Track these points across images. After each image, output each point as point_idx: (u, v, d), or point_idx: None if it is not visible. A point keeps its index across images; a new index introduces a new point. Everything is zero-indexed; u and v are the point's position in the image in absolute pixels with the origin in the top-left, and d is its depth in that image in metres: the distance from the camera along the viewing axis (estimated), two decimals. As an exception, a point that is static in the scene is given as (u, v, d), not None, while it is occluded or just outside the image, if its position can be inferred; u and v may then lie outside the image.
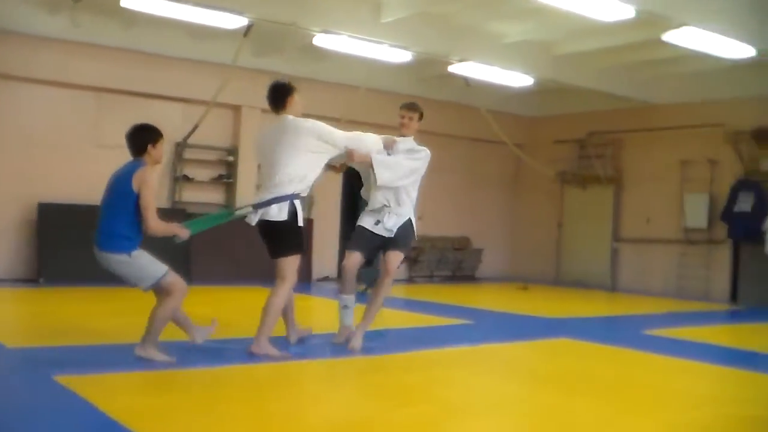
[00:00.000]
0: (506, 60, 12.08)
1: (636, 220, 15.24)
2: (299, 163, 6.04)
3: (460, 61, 11.78)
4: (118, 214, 5.64)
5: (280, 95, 6.40)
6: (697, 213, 14.14)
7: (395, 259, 6.62)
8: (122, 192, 5.61)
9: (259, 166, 6.49)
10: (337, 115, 13.09)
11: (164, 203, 12.39)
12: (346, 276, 6.75)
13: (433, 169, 15.93)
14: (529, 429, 4.39)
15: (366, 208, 6.79)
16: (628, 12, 8.75)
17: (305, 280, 13.35)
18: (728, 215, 13.34)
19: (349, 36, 10.48)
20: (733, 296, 13.58)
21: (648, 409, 4.96)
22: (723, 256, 13.90)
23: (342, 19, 10.40)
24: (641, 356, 7.21)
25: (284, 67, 13.07)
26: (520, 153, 15.08)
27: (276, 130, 6.18)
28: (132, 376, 5.26)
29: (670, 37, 9.65)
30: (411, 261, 15.18)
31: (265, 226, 6.08)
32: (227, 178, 13.05)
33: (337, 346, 6.75)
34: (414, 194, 6.92)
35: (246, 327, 6.49)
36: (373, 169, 6.41)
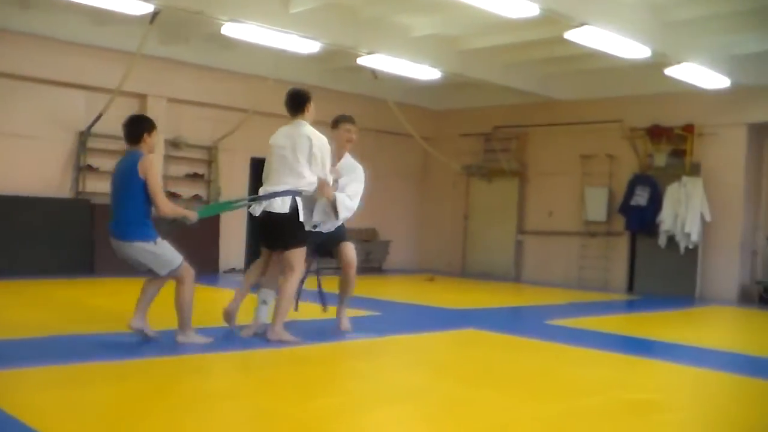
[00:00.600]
0: (414, 53, 12.18)
1: (539, 212, 15.61)
2: (306, 167, 6.56)
3: (369, 53, 11.82)
4: (131, 203, 6.01)
5: (299, 101, 6.93)
6: (596, 206, 14.59)
7: (349, 249, 7.34)
8: (130, 182, 5.96)
9: (265, 162, 6.91)
10: (245, 105, 13.03)
11: (67, 193, 12.08)
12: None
13: (341, 161, 15.95)
14: (434, 419, 4.47)
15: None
16: (533, 9, 8.92)
17: (212, 272, 13.24)
18: (626, 208, 13.80)
19: (258, 25, 10.38)
20: (630, 286, 14.08)
21: (548, 397, 5.12)
22: (621, 247, 14.39)
23: (250, 9, 10.30)
24: (543, 346, 7.42)
25: (191, 56, 12.93)
26: (427, 146, 15.25)
27: (291, 133, 6.69)
28: (33, 372, 5.13)
29: (573, 35, 9.90)
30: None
31: (268, 217, 6.51)
32: (132, 168, 12.78)
33: (245, 338, 6.84)
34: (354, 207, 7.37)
35: (152, 320, 6.39)
36: (335, 208, 6.90)
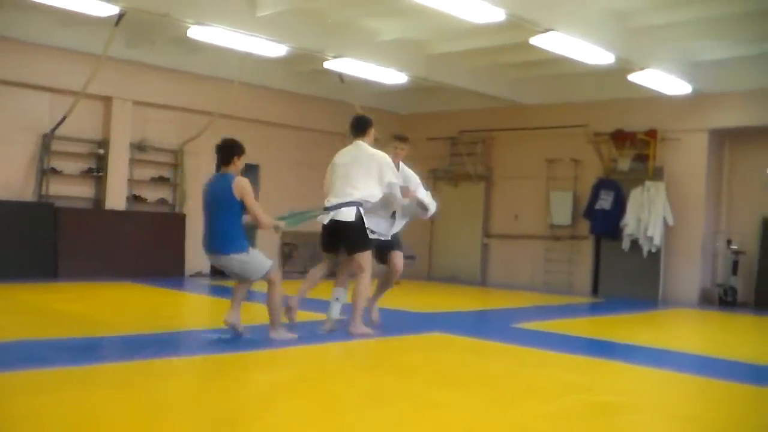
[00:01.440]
0: (381, 57, 12.22)
1: (505, 216, 15.71)
2: (367, 181, 7.38)
3: (335, 57, 11.84)
4: (227, 221, 6.75)
5: (363, 125, 7.69)
6: (561, 210, 14.72)
7: (398, 256, 8.27)
8: (226, 201, 6.71)
9: (327, 177, 7.72)
10: (212, 108, 12.98)
11: (30, 197, 11.93)
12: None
13: (306, 164, 16.08)
14: (402, 423, 4.47)
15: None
16: (499, 15, 9.01)
17: (178, 276, 13.16)
18: (590, 212, 13.94)
19: (224, 29, 10.35)
20: (595, 289, 14.22)
21: (515, 400, 5.15)
22: (585, 251, 14.54)
23: (217, 12, 10.28)
24: (510, 349, 7.47)
25: (157, 59, 12.86)
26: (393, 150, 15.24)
27: (354, 152, 7.52)
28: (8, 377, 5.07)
29: (538, 41, 10.00)
30: (285, 257, 15.17)
31: (335, 225, 7.33)
32: (97, 172, 12.66)
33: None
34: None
35: (117, 324, 6.35)
36: (422, 203, 8.08)
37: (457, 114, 16.15)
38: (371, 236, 7.60)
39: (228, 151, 6.91)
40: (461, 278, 15.80)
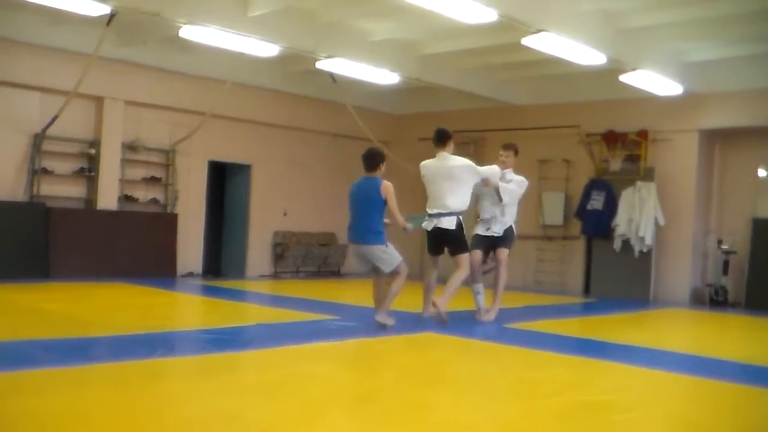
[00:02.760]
0: (373, 57, 12.23)
1: (496, 216, 15.70)
2: (459, 190, 8.47)
3: (328, 57, 11.84)
4: (372, 217, 7.87)
5: (444, 136, 8.78)
6: (553, 210, 14.75)
7: (504, 253, 9.26)
8: (375, 200, 7.87)
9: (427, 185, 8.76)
10: (204, 108, 12.96)
11: (21, 197, 11.89)
12: (474, 269, 9.04)
13: (298, 164, 16.11)
14: (394, 421, 4.49)
15: (478, 220, 9.33)
16: (491, 15, 9.02)
17: (170, 276, 13.14)
18: (582, 213, 13.98)
19: (216, 28, 10.34)
20: (586, 289, 14.26)
21: (507, 399, 5.18)
22: (577, 251, 14.58)
23: (209, 11, 10.27)
24: (501, 348, 7.49)
25: (149, 59, 12.84)
26: (385, 150, 15.25)
27: (439, 164, 8.62)
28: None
29: (530, 41, 10.02)
30: (276, 256, 15.16)
31: (439, 231, 8.53)
32: (89, 172, 12.63)
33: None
34: (515, 209, 9.42)
35: (109, 324, 6.35)
36: (498, 193, 8.99)
37: (449, 114, 16.13)
38: (485, 233, 9.13)
39: (374, 158, 8.06)
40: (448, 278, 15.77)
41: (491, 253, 9.36)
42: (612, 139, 13.92)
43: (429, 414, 4.66)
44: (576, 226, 14.34)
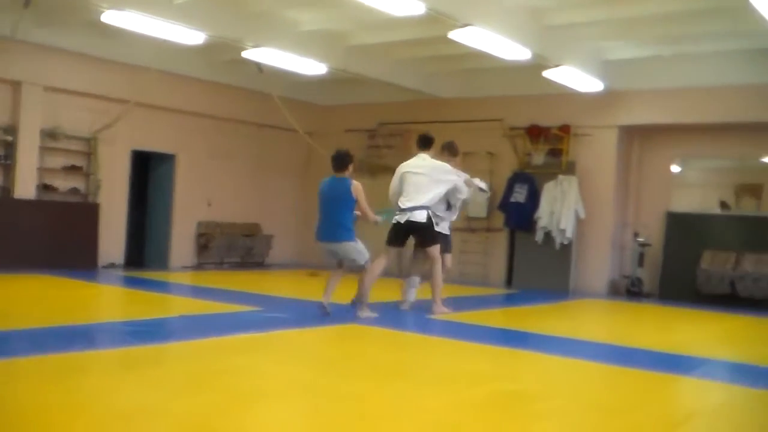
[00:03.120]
0: (300, 48, 12.18)
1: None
2: (433, 188, 8.96)
3: (254, 46, 11.74)
4: (344, 214, 8.34)
5: (428, 141, 9.33)
6: (477, 203, 14.91)
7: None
8: (345, 199, 8.30)
9: (399, 183, 9.21)
10: (127, 96, 12.73)
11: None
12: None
13: (223, 155, 15.96)
14: (319, 414, 4.51)
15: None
16: (419, 8, 9.08)
17: (91, 267, 12.90)
18: (505, 205, 14.19)
19: (140, 14, 10.13)
20: (509, 280, 14.49)
21: (431, 389, 5.25)
22: (500, 243, 14.80)
23: (133, -4, 10.07)
24: (425, 340, 7.59)
25: (70, 43, 12.54)
26: (311, 141, 15.27)
27: (420, 164, 9.13)
28: None
29: (457, 35, 10.12)
30: (200, 247, 15.01)
31: (410, 224, 8.92)
32: (5, 159, 12.26)
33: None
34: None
35: (26, 317, 6.22)
36: (481, 187, 9.80)
37: (375, 106, 16.21)
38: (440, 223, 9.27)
39: (343, 160, 8.47)
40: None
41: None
42: (535, 133, 14.17)
43: (354, 405, 4.70)
44: (499, 219, 14.55)
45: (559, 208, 13.56)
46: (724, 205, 13.95)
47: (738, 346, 8.70)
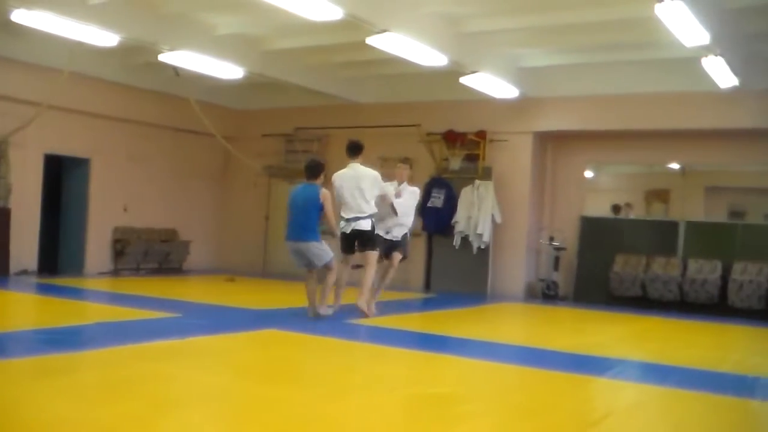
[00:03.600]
0: (217, 51, 12.05)
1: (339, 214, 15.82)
2: (372, 196, 9.45)
3: (171, 49, 11.56)
4: (311, 218, 9.03)
5: (357, 148, 9.69)
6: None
7: (398, 256, 10.19)
8: (314, 204, 9.01)
9: (338, 193, 9.49)
10: (38, 98, 12.38)
11: None
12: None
13: (139, 159, 15.69)
14: (236, 420, 4.48)
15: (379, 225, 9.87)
16: (336, 13, 9.09)
17: (2, 274, 12.51)
18: (423, 210, 14.26)
19: (52, 14, 9.85)
20: (427, 285, 14.61)
21: (350, 393, 5.27)
22: (418, 248, 14.88)
23: (45, -4, 9.80)
24: (344, 344, 7.60)
25: (-23, 44, 12.11)
26: (228, 145, 15.12)
27: (353, 174, 9.49)
28: None
29: (374, 41, 10.17)
30: (116, 253, 14.72)
31: (357, 233, 9.43)
32: None
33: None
34: (411, 218, 10.44)
35: None
36: (393, 208, 9.89)
37: (293, 111, 16.17)
38: (385, 237, 9.97)
39: (316, 169, 9.29)
40: (296, 275, 15.78)
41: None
42: (452, 138, 14.33)
43: (273, 411, 4.69)
44: (417, 224, 14.64)
45: (476, 212, 13.75)
46: (616, 208, 14.46)
47: (649, 347, 8.97)
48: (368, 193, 9.44)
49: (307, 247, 9.06)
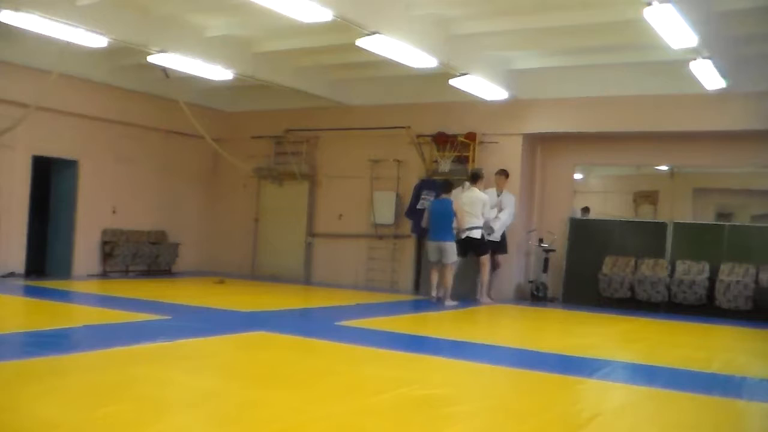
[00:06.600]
0: (207, 53, 12.05)
1: (329, 215, 15.87)
2: (480, 213, 12.64)
3: (160, 51, 11.54)
4: (447, 225, 12.13)
5: (477, 176, 12.86)
6: (384, 209, 15.03)
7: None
8: (449, 214, 12.15)
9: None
10: (27, 100, 12.33)
11: None
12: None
13: (128, 161, 15.65)
14: (226, 422, 4.47)
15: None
16: (326, 15, 9.09)
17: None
18: (412, 212, 14.31)
19: (41, 16, 9.80)
20: (416, 287, 14.62)
21: (340, 396, 5.26)
22: (407, 250, 14.93)
23: (34, -3, 9.75)
24: (333, 346, 7.59)
25: (-36, 45, 12.06)
26: (217, 147, 15.09)
27: (472, 195, 12.64)
28: None
29: (364, 43, 10.18)
30: (105, 255, 14.68)
31: (470, 240, 12.60)
32: None
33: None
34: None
35: None
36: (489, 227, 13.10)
37: (282, 113, 16.17)
38: (489, 237, 12.88)
39: (448, 186, 12.54)
40: (285, 277, 15.84)
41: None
42: (441, 140, 14.35)
43: (262, 413, 4.68)
44: (406, 226, 14.68)
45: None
46: (585, 210, 14.55)
47: (637, 348, 9.01)
48: (478, 209, 12.48)
49: (444, 246, 12.07)
